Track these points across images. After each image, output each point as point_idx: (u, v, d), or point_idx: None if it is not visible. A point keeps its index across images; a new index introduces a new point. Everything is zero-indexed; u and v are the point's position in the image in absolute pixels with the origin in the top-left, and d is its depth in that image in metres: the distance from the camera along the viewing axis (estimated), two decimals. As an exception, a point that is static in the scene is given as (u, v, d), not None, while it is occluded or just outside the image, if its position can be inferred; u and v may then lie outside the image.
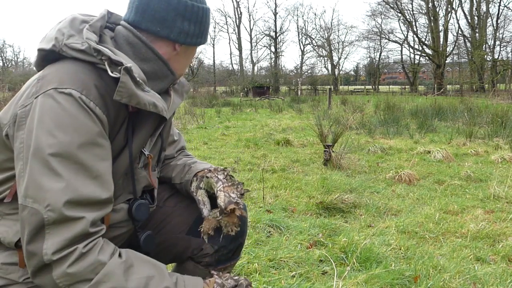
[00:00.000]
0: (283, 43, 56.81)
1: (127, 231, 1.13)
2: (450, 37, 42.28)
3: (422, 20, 54.88)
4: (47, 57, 1.00)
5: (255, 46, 50.37)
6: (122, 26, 1.07)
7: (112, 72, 0.93)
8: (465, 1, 39.06)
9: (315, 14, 77.67)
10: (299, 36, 53.15)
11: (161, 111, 1.03)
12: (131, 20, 1.06)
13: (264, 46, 51.32)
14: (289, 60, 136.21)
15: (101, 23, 1.05)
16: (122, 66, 0.93)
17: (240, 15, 48.65)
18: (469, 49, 38.76)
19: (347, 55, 77.09)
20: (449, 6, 39.71)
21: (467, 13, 38.60)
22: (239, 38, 49.07)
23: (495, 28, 39.15)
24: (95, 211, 0.91)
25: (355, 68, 59.64)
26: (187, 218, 1.29)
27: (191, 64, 1.38)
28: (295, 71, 50.62)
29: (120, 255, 0.94)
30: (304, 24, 73.11)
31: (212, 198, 1.23)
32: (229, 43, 66.65)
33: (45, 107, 0.89)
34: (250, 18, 56.63)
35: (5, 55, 50.32)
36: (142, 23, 1.05)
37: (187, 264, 1.30)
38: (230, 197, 1.16)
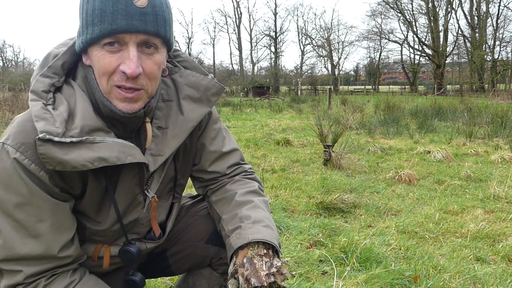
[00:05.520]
0: (283, 43, 56.94)
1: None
2: (450, 37, 42.40)
3: (422, 20, 54.98)
4: None
5: (255, 46, 50.47)
6: None
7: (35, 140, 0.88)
8: (465, 1, 39.12)
9: (315, 14, 77.93)
10: (299, 36, 53.21)
11: (115, 162, 0.91)
12: None
13: (264, 46, 51.49)
14: (289, 60, 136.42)
15: (63, 59, 0.95)
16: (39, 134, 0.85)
17: (240, 15, 48.74)
18: (469, 49, 38.79)
19: (347, 55, 77.35)
20: (449, 6, 39.76)
21: (467, 13, 38.64)
22: (239, 38, 49.13)
23: (495, 28, 39.18)
24: (34, 265, 0.94)
25: (355, 68, 59.76)
26: (207, 227, 1.26)
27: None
28: (295, 71, 50.73)
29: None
30: (304, 24, 73.10)
31: None
32: (229, 43, 66.81)
33: None
34: (250, 18, 56.64)
35: (5, 55, 50.42)
36: None
37: (204, 269, 1.29)
38: None
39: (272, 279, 0.96)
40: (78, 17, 0.91)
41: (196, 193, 1.36)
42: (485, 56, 36.64)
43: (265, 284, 0.95)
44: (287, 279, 1.00)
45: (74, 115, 0.91)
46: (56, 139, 0.85)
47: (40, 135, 0.84)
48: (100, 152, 0.90)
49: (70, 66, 0.97)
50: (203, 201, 1.33)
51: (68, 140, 0.86)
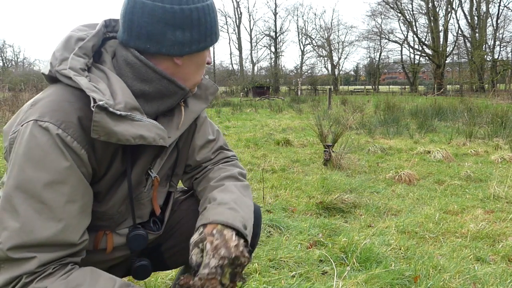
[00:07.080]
0: (283, 43, 56.93)
1: (127, 254, 1.17)
2: (450, 37, 42.39)
3: (422, 20, 55.05)
4: (50, 79, 1.01)
5: (255, 46, 50.42)
6: (121, 44, 1.01)
7: (93, 107, 0.88)
8: (465, 1, 39.12)
9: (315, 14, 77.86)
10: (299, 36, 53.20)
11: (151, 142, 0.97)
12: (121, 39, 1.00)
13: (264, 46, 51.48)
14: (289, 60, 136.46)
15: (93, 42, 0.99)
16: (96, 103, 0.87)
17: (240, 15, 48.69)
18: (469, 49, 38.78)
19: (347, 55, 77.51)
20: (449, 6, 39.76)
21: (467, 13, 38.64)
22: (239, 38, 49.09)
23: (495, 28, 39.17)
24: (51, 252, 0.89)
25: (355, 68, 59.77)
26: None
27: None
28: (295, 71, 50.70)
29: (67, 275, 0.91)
30: (304, 24, 73.19)
31: None
32: (229, 43, 66.85)
33: (23, 139, 0.89)
34: (250, 18, 56.67)
35: (5, 55, 50.34)
36: (130, 41, 0.98)
37: None
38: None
39: (241, 249, 0.98)
40: (183, 27, 0.98)
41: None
42: (485, 56, 36.64)
43: (232, 256, 0.96)
44: (247, 264, 1.01)
45: (113, 92, 0.95)
46: (111, 109, 0.89)
47: (100, 103, 0.87)
48: (140, 130, 0.95)
49: (96, 49, 1.02)
50: (194, 195, 1.35)
51: (118, 112, 0.90)
